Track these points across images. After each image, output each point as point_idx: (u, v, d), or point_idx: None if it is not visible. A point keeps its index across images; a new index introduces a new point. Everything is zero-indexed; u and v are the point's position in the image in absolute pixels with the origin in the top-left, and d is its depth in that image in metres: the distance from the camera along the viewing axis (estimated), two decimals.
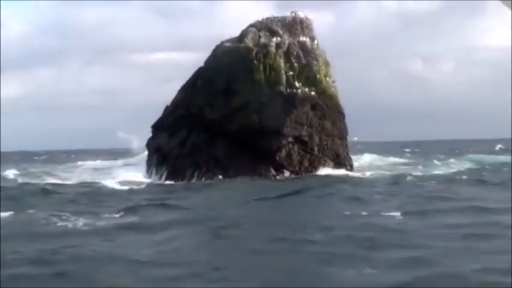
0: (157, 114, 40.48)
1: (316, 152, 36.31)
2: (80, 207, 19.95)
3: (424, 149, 72.36)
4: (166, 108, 40.08)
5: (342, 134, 37.37)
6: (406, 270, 10.11)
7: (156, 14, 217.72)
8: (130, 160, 44.93)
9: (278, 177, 34.21)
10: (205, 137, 37.17)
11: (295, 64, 37.86)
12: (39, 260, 11.61)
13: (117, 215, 18.02)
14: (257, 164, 34.92)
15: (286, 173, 34.88)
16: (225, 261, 11.59)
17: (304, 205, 20.54)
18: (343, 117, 37.84)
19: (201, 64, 40.10)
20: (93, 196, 23.79)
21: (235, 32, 40.62)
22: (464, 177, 30.48)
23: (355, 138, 49.79)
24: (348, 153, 37.32)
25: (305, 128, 36.42)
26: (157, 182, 34.92)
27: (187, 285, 9.92)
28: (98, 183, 31.32)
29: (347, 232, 13.85)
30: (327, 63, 39.16)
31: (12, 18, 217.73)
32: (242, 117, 36.51)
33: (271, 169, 35.09)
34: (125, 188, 28.36)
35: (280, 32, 39.21)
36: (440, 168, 39.00)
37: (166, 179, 35.50)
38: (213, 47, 40.25)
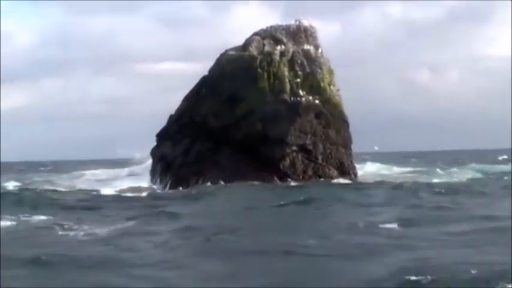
0: (163, 123, 40.59)
1: (320, 160, 36.18)
2: (79, 215, 19.89)
3: (428, 159, 72.08)
4: (171, 116, 40.10)
5: (346, 143, 37.22)
6: None
7: (161, 24, 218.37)
8: (135, 169, 44.86)
9: (279, 183, 34.05)
10: (209, 145, 37.14)
11: (299, 72, 37.83)
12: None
13: (117, 222, 17.93)
14: (261, 172, 34.81)
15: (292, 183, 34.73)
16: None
17: (303, 214, 20.36)
18: (348, 126, 37.71)
19: (207, 73, 40.13)
20: (93, 203, 23.71)
21: (242, 41, 40.63)
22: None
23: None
24: (352, 162, 37.17)
25: (309, 136, 36.32)
26: (160, 190, 34.81)
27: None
28: (98, 190, 31.25)
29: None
30: (331, 72, 39.10)
31: (18, 29, 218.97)
32: (246, 126, 36.45)
33: (275, 178, 34.97)
34: (127, 195, 28.29)
35: (285, 40, 39.21)
36: (443, 177, 38.76)
37: (170, 188, 35.42)
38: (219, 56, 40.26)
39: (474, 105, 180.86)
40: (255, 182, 33.06)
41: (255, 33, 40.34)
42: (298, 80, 37.53)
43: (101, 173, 49.54)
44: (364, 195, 25.59)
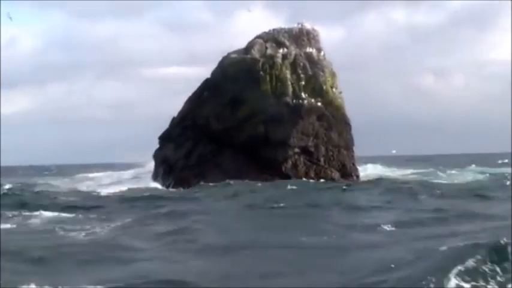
0: (166, 127, 40.68)
1: (322, 162, 36.28)
2: (80, 215, 20.01)
3: (429, 164, 71.93)
4: (173, 119, 40.28)
5: (348, 145, 37.32)
6: None
7: (166, 28, 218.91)
8: (139, 172, 45.02)
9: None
10: (212, 147, 37.27)
11: (302, 75, 37.96)
12: None
13: (118, 221, 18.04)
14: (263, 174, 34.89)
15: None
16: None
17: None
18: (350, 128, 37.81)
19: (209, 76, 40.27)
20: (94, 203, 23.80)
21: (245, 45, 40.76)
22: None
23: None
24: (354, 164, 37.26)
25: (311, 138, 36.43)
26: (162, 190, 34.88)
27: None
28: (99, 191, 31.34)
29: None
30: (333, 74, 39.23)
31: (23, 33, 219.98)
32: (248, 128, 36.59)
33: (278, 180, 35.01)
34: (129, 195, 28.35)
35: (287, 43, 39.37)
36: (445, 179, 38.74)
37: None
38: None
39: (478, 110, 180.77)
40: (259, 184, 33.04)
41: (258, 36, 40.51)
42: (301, 82, 37.66)
43: (104, 175, 49.70)
44: (364, 195, 25.61)
